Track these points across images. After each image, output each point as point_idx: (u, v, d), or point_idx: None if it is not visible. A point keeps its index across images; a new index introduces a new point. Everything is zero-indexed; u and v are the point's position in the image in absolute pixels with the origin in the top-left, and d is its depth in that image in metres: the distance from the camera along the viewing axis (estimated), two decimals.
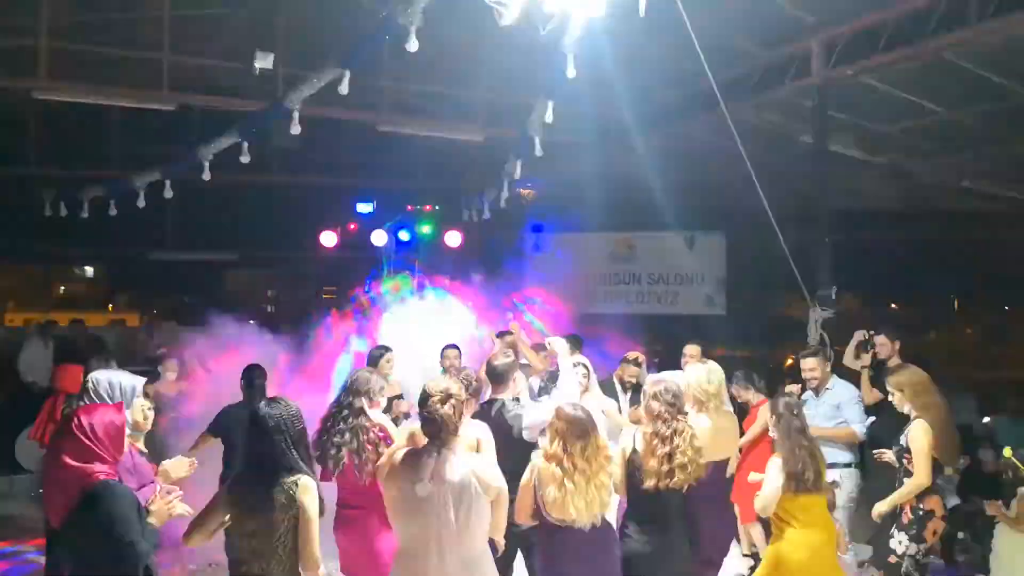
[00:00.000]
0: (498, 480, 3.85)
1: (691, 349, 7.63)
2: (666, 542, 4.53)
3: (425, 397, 3.83)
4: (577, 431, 4.11)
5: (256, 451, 3.74)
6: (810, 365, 6.71)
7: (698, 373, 5.20)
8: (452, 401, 3.79)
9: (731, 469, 5.07)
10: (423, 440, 3.93)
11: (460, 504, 3.67)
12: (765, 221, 7.43)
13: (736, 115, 7.58)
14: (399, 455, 3.96)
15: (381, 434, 4.73)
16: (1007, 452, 6.01)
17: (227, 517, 3.73)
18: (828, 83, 8.69)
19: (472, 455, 3.97)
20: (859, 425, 6.51)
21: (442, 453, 3.72)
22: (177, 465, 4.48)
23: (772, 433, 5.09)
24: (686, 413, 4.70)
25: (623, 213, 12.94)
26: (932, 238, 15.02)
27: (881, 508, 5.31)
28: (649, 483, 4.43)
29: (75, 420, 3.76)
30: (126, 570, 3.58)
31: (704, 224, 12.78)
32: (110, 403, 4.15)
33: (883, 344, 7.06)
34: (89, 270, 25.76)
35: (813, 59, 8.68)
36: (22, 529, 7.53)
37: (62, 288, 25.91)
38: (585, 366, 6.26)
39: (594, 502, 4.06)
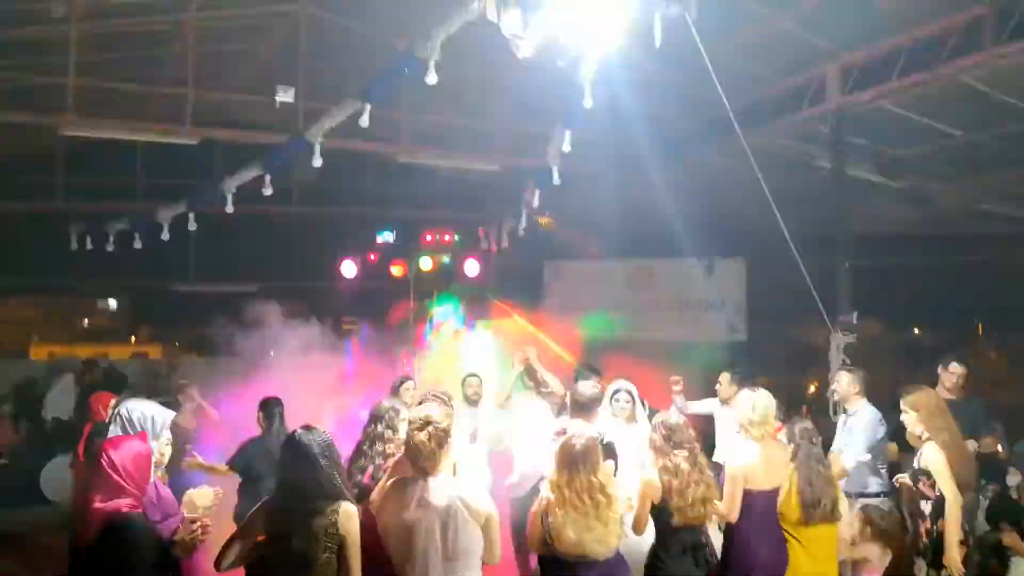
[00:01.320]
0: (486, 505, 3.85)
1: (723, 377, 7.65)
2: (699, 574, 4.56)
3: (411, 430, 3.85)
4: (569, 461, 4.14)
5: (294, 477, 3.74)
6: (837, 378, 6.69)
7: (743, 401, 5.15)
8: (430, 429, 3.79)
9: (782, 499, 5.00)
10: (408, 469, 3.97)
11: (447, 529, 3.70)
12: (785, 247, 7.42)
13: (753, 141, 7.61)
14: (390, 483, 3.99)
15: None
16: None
17: (259, 541, 3.74)
18: (844, 108, 8.72)
19: (460, 481, 3.97)
20: (853, 453, 6.23)
21: (427, 479, 3.76)
22: (203, 495, 4.50)
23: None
24: (687, 447, 4.69)
25: (642, 240, 12.95)
26: (953, 262, 14.91)
27: (951, 554, 4.99)
28: (675, 519, 4.53)
29: (104, 455, 3.80)
30: None
31: (723, 250, 12.75)
32: (136, 433, 4.19)
33: (956, 373, 6.75)
34: (112, 303, 25.98)
35: (829, 84, 8.72)
36: (50, 558, 7.55)
37: (85, 321, 26.15)
38: (629, 392, 6.24)
39: (599, 535, 4.07)
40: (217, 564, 3.80)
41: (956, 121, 9.29)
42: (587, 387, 5.53)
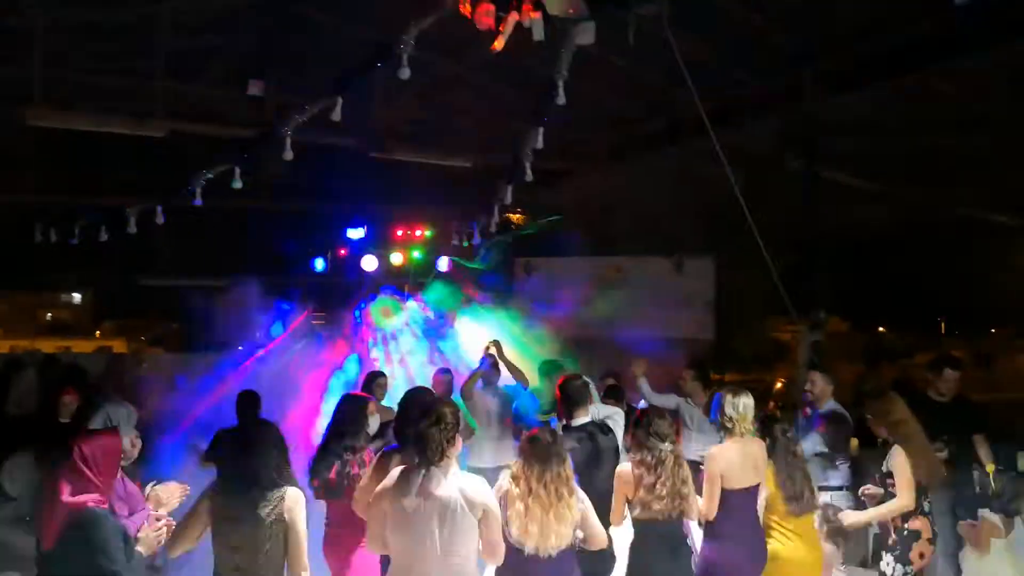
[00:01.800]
0: (484, 498, 3.91)
1: (687, 373, 7.73)
2: (677, 567, 4.61)
3: (418, 418, 3.95)
4: (541, 454, 4.17)
5: (241, 466, 3.84)
6: (812, 378, 6.79)
7: (725, 399, 5.22)
8: (441, 425, 3.89)
9: (761, 497, 5.09)
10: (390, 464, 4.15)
11: (444, 520, 3.77)
12: (755, 246, 7.50)
13: (727, 142, 7.66)
14: (394, 472, 4.03)
15: (367, 458, 4.85)
16: (989, 468, 6.07)
17: (208, 527, 3.80)
18: (820, 111, 8.80)
19: (463, 474, 4.01)
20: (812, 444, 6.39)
21: (430, 470, 3.83)
22: (169, 491, 4.49)
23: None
24: (670, 440, 4.73)
25: (612, 238, 12.99)
26: (920, 263, 15.16)
27: (851, 518, 5.41)
28: (637, 511, 4.58)
29: (75, 449, 3.77)
30: None
31: (693, 248, 12.82)
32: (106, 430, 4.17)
33: (950, 380, 6.80)
34: (77, 297, 25.67)
35: (805, 87, 8.79)
36: (14, 556, 7.42)
37: (48, 315, 25.81)
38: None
39: (558, 529, 4.10)
40: (170, 550, 3.86)
41: (930, 125, 9.41)
42: (573, 382, 5.57)
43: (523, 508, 4.09)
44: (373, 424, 5.14)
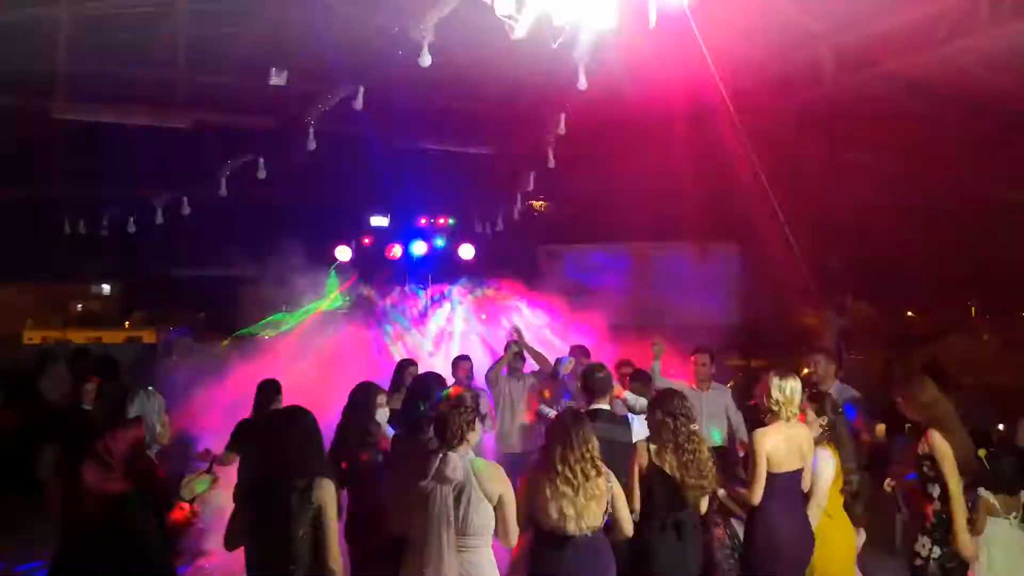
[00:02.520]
0: (500, 484, 3.95)
1: (702, 358, 7.66)
2: (684, 552, 4.57)
3: (439, 401, 4.10)
4: (565, 435, 4.21)
5: (276, 455, 3.83)
6: (815, 360, 6.73)
7: (772, 383, 5.16)
8: (461, 409, 3.97)
9: (806, 482, 5.06)
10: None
11: (459, 502, 3.83)
12: (779, 230, 7.44)
13: (748, 124, 7.60)
14: (411, 454, 4.09)
15: (383, 446, 4.90)
16: (981, 452, 5.97)
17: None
18: (839, 91, 8.69)
19: (478, 460, 4.04)
20: None
21: (447, 454, 3.88)
22: (200, 481, 4.56)
23: (813, 433, 5.18)
24: (691, 422, 4.70)
25: (637, 224, 12.94)
26: (949, 245, 14.93)
27: (963, 536, 5.14)
28: (665, 494, 4.58)
29: (98, 440, 3.84)
30: None
31: (718, 233, 12.75)
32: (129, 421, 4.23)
33: None
34: (106, 288, 25.95)
35: (824, 67, 8.69)
36: (46, 543, 7.56)
37: (79, 306, 26.11)
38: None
39: (588, 509, 4.13)
40: (227, 545, 3.89)
41: (952, 103, 9.27)
42: (600, 371, 5.60)
43: (551, 490, 4.12)
44: (381, 415, 5.16)
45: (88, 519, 3.87)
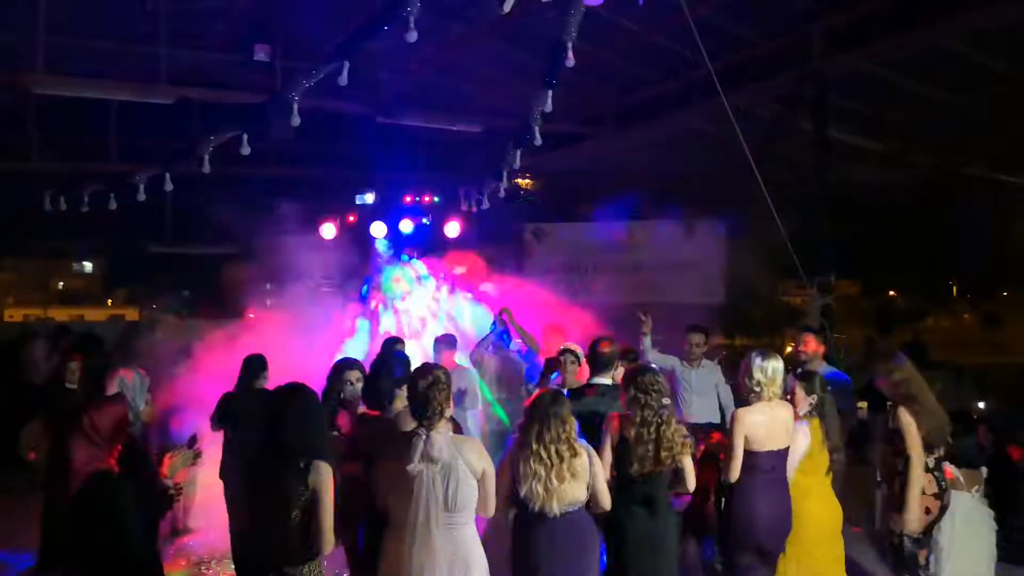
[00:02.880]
0: (483, 460, 3.96)
1: (696, 336, 7.65)
2: (655, 525, 4.62)
3: (414, 380, 3.97)
4: (540, 415, 4.22)
5: (270, 435, 3.74)
6: (805, 339, 6.76)
7: (754, 362, 5.14)
8: (439, 386, 3.93)
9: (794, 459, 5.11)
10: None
11: (448, 482, 3.82)
12: (764, 209, 7.45)
13: (735, 103, 7.59)
14: (390, 436, 4.12)
15: (340, 421, 4.89)
16: None
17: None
18: (828, 70, 8.70)
19: (459, 436, 4.08)
20: None
21: (430, 435, 3.86)
22: (183, 458, 4.56)
23: (802, 410, 5.20)
24: (655, 395, 4.71)
25: (621, 202, 12.93)
26: (931, 225, 15.05)
27: (913, 524, 5.28)
28: (634, 468, 4.57)
29: (84, 417, 3.82)
30: (126, 558, 3.64)
31: (703, 212, 12.76)
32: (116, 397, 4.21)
33: None
34: (88, 265, 25.78)
35: (813, 46, 8.69)
36: (29, 521, 7.53)
37: (61, 284, 25.94)
38: (575, 354, 6.16)
39: (553, 491, 4.15)
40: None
41: (939, 83, 9.30)
42: (608, 346, 5.64)
43: (524, 468, 4.16)
44: (350, 391, 5.12)
45: (71, 496, 3.83)
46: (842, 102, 9.57)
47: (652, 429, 4.60)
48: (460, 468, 3.85)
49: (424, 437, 3.86)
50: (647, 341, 7.64)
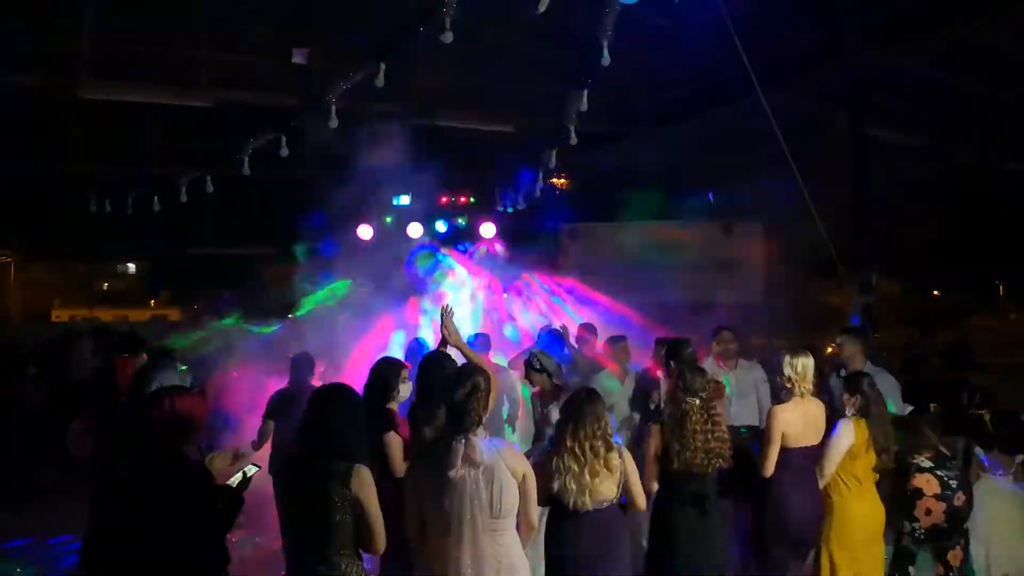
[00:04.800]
0: (524, 463, 3.94)
1: (725, 335, 7.55)
2: (704, 523, 4.63)
3: (453, 387, 3.91)
4: (575, 412, 4.28)
5: (314, 437, 3.74)
6: (840, 340, 6.70)
7: (785, 360, 5.21)
8: (478, 394, 3.87)
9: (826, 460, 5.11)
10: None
11: (491, 485, 3.77)
12: (803, 208, 7.38)
13: (772, 101, 7.52)
14: (422, 444, 4.10)
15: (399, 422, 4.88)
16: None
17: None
18: (864, 66, 8.60)
19: (497, 440, 4.04)
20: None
21: (469, 439, 3.81)
22: (223, 456, 4.61)
23: (849, 411, 5.21)
24: (701, 396, 4.74)
25: (660, 202, 12.87)
26: (974, 223, 14.75)
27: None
28: (676, 465, 4.61)
29: (149, 412, 3.85)
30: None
31: (742, 212, 12.66)
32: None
33: None
34: (131, 267, 26.21)
35: (849, 42, 8.59)
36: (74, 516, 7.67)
37: (105, 285, 26.43)
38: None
39: (586, 487, 4.19)
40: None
41: (979, 78, 9.14)
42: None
43: (560, 464, 4.19)
44: (404, 390, 5.10)
45: (121, 490, 3.86)
46: (878, 98, 9.44)
47: (698, 431, 4.64)
48: (502, 471, 3.80)
49: (464, 441, 3.81)
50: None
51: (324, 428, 3.70)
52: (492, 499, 3.77)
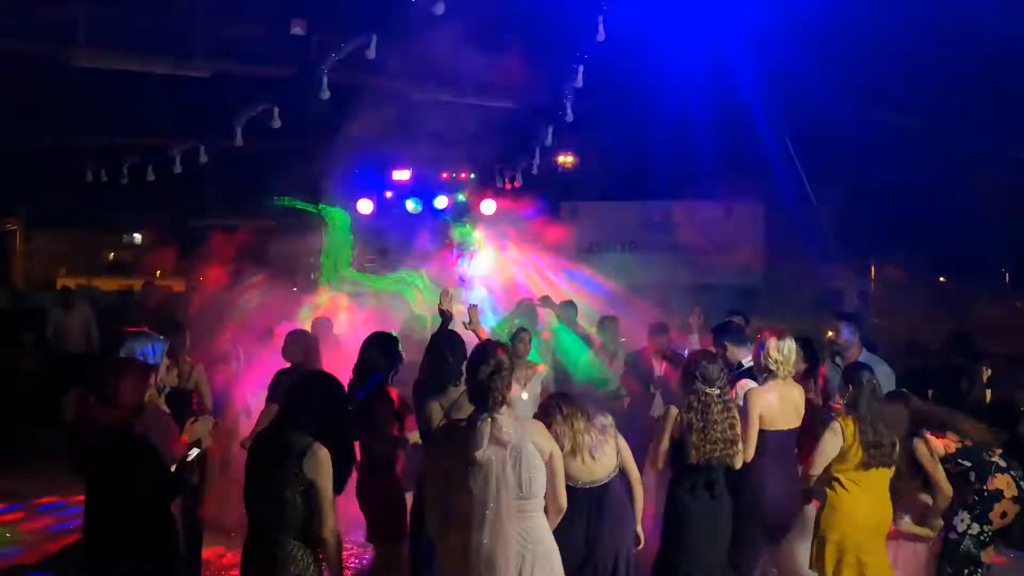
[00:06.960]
0: (550, 441, 3.86)
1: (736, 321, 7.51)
2: (715, 507, 4.78)
3: (475, 366, 3.78)
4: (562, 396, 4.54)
5: (282, 416, 3.78)
6: (837, 327, 6.65)
7: (770, 342, 5.22)
8: (502, 373, 3.74)
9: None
10: None
11: (519, 464, 3.65)
12: (804, 191, 7.31)
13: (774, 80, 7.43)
14: (444, 424, 4.15)
15: (393, 395, 4.88)
16: None
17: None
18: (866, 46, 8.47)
19: (521, 418, 3.95)
20: None
21: (495, 418, 3.66)
22: (203, 422, 4.61)
23: (841, 401, 5.09)
24: (719, 385, 4.79)
25: (660, 182, 12.78)
26: (981, 209, 14.60)
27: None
28: (691, 455, 4.73)
29: (99, 379, 3.94)
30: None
31: (742, 193, 12.55)
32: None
33: None
34: (137, 237, 26.25)
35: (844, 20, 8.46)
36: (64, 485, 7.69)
37: (111, 255, 26.49)
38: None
39: (591, 462, 4.43)
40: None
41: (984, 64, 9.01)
42: None
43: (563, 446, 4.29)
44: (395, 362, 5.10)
45: (96, 461, 3.94)
46: (884, 83, 9.31)
47: (712, 416, 4.75)
48: (530, 450, 3.68)
49: (490, 420, 3.65)
50: (695, 338, 7.63)
51: (293, 411, 3.71)
52: (521, 480, 3.64)
